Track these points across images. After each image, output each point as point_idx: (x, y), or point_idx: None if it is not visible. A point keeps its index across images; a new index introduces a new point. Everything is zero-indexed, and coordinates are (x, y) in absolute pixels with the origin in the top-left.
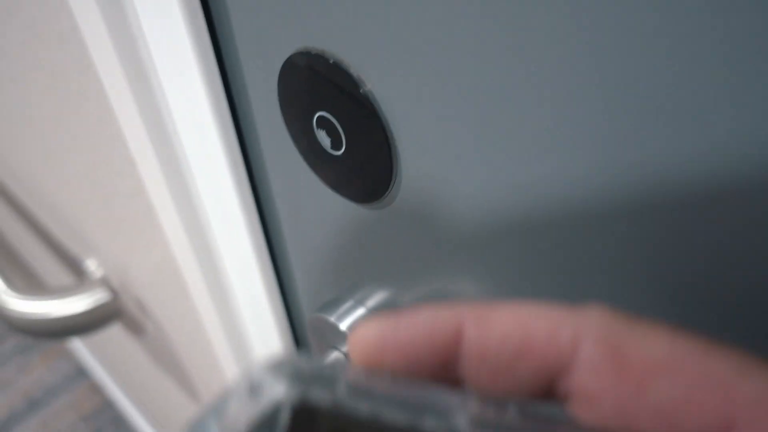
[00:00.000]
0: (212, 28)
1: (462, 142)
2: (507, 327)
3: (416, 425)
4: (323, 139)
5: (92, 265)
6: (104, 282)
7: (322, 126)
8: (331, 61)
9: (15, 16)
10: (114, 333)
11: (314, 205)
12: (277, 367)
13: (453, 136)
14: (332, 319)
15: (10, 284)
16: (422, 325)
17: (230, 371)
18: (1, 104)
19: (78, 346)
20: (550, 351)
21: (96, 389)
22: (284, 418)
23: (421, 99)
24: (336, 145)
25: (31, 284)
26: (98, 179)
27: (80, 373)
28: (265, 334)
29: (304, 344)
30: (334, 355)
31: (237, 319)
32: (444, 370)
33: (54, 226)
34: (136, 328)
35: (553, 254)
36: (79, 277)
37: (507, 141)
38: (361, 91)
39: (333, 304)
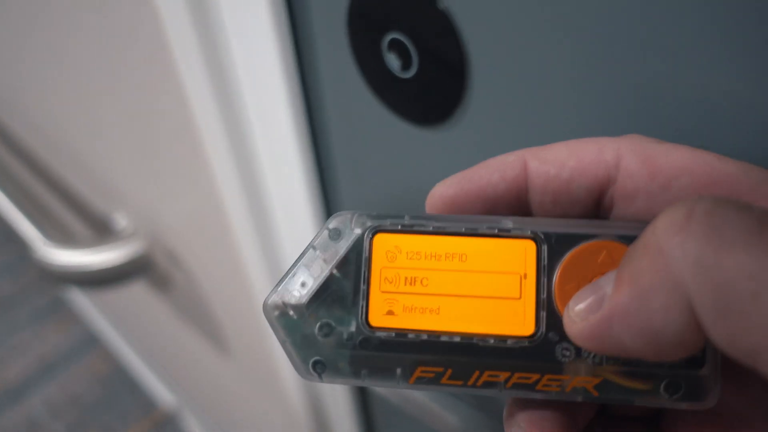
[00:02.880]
0: None
1: (538, 62)
2: (563, 155)
3: (474, 229)
4: (392, 62)
5: (121, 219)
6: (136, 234)
7: (393, 48)
8: None
9: None
10: (136, 291)
11: (373, 132)
12: (352, 215)
13: (529, 55)
14: None
15: (47, 234)
16: (494, 168)
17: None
18: (22, 44)
19: (91, 311)
20: (599, 168)
21: (109, 353)
22: (367, 246)
23: (499, 16)
24: (406, 66)
25: (64, 235)
26: (136, 124)
27: (94, 338)
28: None
29: None
30: None
31: (282, 261)
32: (515, 205)
33: (78, 182)
34: (162, 282)
35: None
36: (109, 231)
37: (590, 71)
38: (438, 6)
39: None
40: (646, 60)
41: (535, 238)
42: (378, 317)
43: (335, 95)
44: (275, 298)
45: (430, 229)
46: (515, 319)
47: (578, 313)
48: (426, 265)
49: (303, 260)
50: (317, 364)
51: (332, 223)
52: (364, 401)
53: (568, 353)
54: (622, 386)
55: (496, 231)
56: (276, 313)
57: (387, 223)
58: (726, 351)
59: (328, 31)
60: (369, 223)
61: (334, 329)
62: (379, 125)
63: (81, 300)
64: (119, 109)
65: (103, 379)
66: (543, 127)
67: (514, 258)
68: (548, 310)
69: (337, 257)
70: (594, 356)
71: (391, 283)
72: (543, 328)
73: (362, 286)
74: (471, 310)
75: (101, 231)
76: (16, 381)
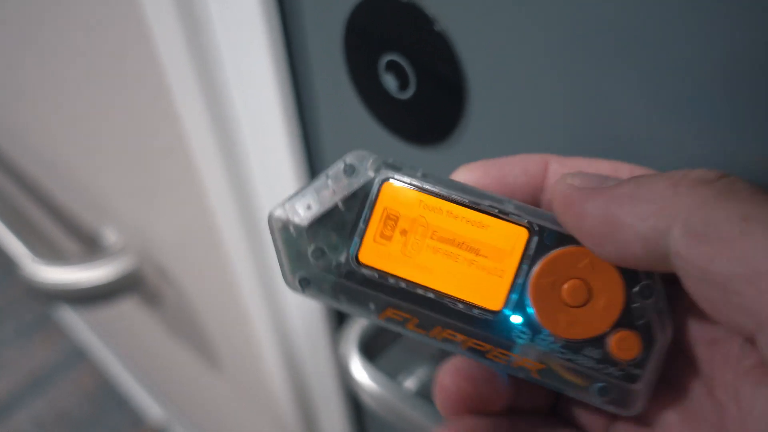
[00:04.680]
0: None
1: (536, 82)
2: (583, 164)
3: (477, 204)
4: (389, 82)
5: (110, 234)
6: (126, 250)
7: (390, 69)
8: (403, 1)
9: None
10: (125, 306)
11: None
12: (370, 157)
13: (527, 75)
14: None
15: (35, 251)
16: (518, 161)
17: (264, 330)
18: (10, 60)
19: (78, 325)
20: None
21: (97, 368)
22: (375, 190)
23: (496, 37)
24: (403, 87)
25: (53, 252)
26: (127, 139)
27: (81, 353)
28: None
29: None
30: None
31: (275, 277)
32: (529, 201)
33: (66, 196)
34: (153, 298)
35: None
36: (98, 247)
37: (586, 89)
38: (435, 28)
39: None
40: (645, 80)
41: (529, 228)
42: (367, 256)
43: (331, 115)
44: (281, 213)
45: (436, 192)
46: (488, 292)
47: (573, 179)
48: (423, 222)
49: (314, 184)
50: (303, 281)
51: (349, 158)
52: (358, 418)
53: (524, 336)
54: (562, 377)
55: (497, 211)
56: (279, 225)
57: (400, 175)
58: (695, 277)
59: (325, 51)
60: (383, 170)
61: (326, 255)
62: (376, 145)
63: (68, 314)
64: (109, 123)
65: (91, 394)
66: (541, 146)
67: (505, 239)
68: (519, 295)
69: (346, 192)
70: (546, 343)
71: (388, 228)
72: (509, 309)
73: (361, 225)
74: (451, 272)
75: (90, 247)
76: (2, 397)
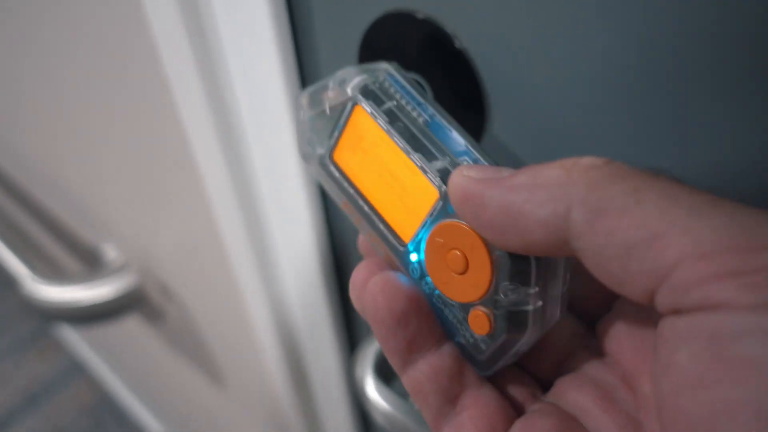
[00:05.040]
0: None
1: (559, 99)
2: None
3: (409, 153)
4: None
5: (111, 251)
6: (127, 266)
7: None
8: (420, 17)
9: None
10: (125, 323)
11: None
12: (354, 77)
13: (550, 92)
14: None
15: (34, 270)
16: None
17: (271, 347)
18: (7, 74)
19: (74, 339)
20: None
21: (94, 383)
22: (348, 108)
23: (518, 54)
24: None
25: (53, 270)
26: (129, 155)
27: (77, 367)
28: (313, 310)
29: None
30: None
31: (283, 293)
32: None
33: (65, 213)
34: (155, 315)
35: None
36: (98, 264)
37: (612, 107)
38: (455, 45)
39: None
40: (669, 95)
41: (439, 191)
42: (339, 157)
43: None
44: (303, 95)
45: (386, 130)
46: (404, 225)
47: (469, 171)
48: (378, 149)
49: (322, 83)
50: (304, 155)
51: (341, 72)
52: None
53: (415, 273)
54: (439, 315)
55: (419, 166)
56: (297, 107)
57: (367, 104)
58: (596, 254)
59: (339, 69)
60: (357, 93)
61: (314, 146)
62: None
63: (65, 329)
64: (110, 136)
65: (88, 409)
66: None
67: (423, 191)
68: (418, 241)
69: (334, 101)
70: (429, 287)
71: (354, 142)
72: (412, 247)
73: (336, 133)
74: (386, 197)
75: (91, 264)
76: None
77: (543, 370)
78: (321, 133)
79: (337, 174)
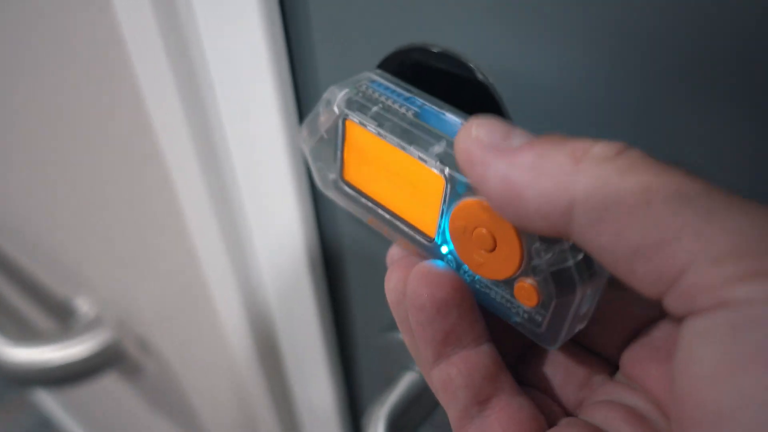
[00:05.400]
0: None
1: (583, 128)
2: None
3: (404, 148)
4: None
5: (83, 305)
6: (102, 321)
7: None
8: (436, 51)
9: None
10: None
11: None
12: (338, 94)
13: (574, 120)
14: None
15: (3, 330)
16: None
17: (263, 407)
18: None
19: (42, 396)
20: None
21: None
22: (340, 125)
23: (541, 85)
24: None
25: (24, 331)
26: (104, 204)
27: (45, 424)
28: (307, 364)
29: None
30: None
31: (278, 350)
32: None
33: (36, 267)
34: (132, 371)
35: None
36: (71, 319)
37: (638, 138)
38: (478, 77)
39: None
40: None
41: (443, 176)
42: (350, 175)
43: None
44: (302, 128)
45: (375, 134)
46: (426, 220)
47: (478, 130)
48: (377, 155)
49: (315, 112)
50: (322, 186)
51: (326, 94)
52: None
53: (452, 264)
54: (490, 302)
55: (418, 157)
56: (300, 143)
57: (354, 115)
58: (599, 254)
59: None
60: (344, 108)
61: (326, 173)
62: None
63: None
64: (82, 186)
65: None
66: None
67: (431, 181)
68: (443, 230)
69: (328, 123)
70: (469, 275)
71: (357, 157)
72: (439, 239)
73: (338, 153)
74: (402, 198)
75: (63, 320)
76: None
77: (569, 401)
78: (327, 160)
79: (353, 193)
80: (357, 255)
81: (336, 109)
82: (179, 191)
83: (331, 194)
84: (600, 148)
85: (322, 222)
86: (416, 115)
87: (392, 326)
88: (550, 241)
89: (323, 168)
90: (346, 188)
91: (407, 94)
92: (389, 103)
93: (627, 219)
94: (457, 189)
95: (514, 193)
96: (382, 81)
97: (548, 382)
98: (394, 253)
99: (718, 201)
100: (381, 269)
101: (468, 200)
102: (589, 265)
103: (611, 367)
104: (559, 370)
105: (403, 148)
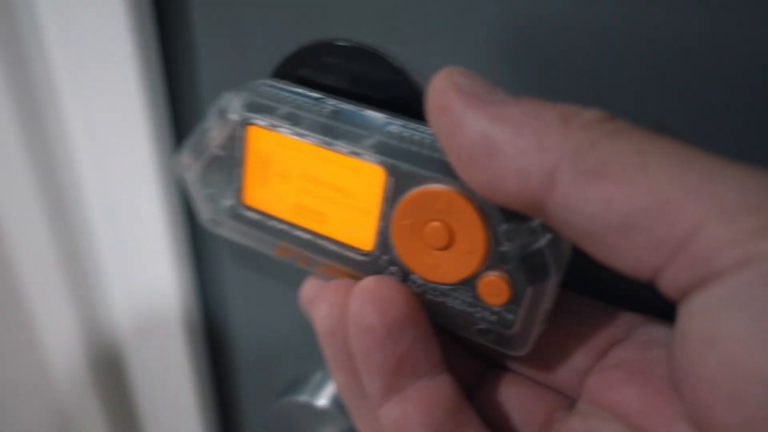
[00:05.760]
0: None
1: None
2: None
3: (332, 145)
4: None
5: None
6: None
7: None
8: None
9: None
10: None
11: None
12: (232, 99)
13: None
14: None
15: None
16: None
17: None
18: None
19: None
20: None
21: None
22: (240, 135)
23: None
24: None
25: None
26: None
27: None
28: None
29: None
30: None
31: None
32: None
33: None
34: None
35: None
36: None
37: None
38: (397, 68)
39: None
40: None
41: (384, 168)
42: (252, 198)
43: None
44: (180, 159)
45: (292, 134)
46: (359, 232)
47: (459, 77)
48: (293, 163)
49: (201, 128)
50: (210, 221)
51: (222, 100)
52: None
53: (397, 277)
54: (445, 317)
55: (348, 152)
56: (180, 171)
57: (260, 118)
58: (584, 224)
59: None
60: (244, 113)
61: (219, 199)
62: None
63: None
64: None
65: None
66: None
67: (366, 178)
68: (384, 237)
69: (223, 136)
70: (418, 285)
71: (263, 171)
72: (378, 250)
73: (238, 170)
74: (324, 212)
75: None
76: None
77: None
78: (221, 183)
79: (257, 218)
80: (246, 311)
81: (235, 116)
82: (12, 243)
83: (224, 229)
84: (591, 113)
85: (204, 276)
86: (334, 112)
87: (288, 390)
88: (517, 219)
89: (214, 196)
90: (248, 213)
91: (317, 95)
92: (299, 102)
93: (620, 183)
94: (401, 180)
95: (492, 148)
96: (284, 86)
97: (507, 421)
98: (311, 287)
99: (716, 163)
100: (276, 324)
101: (419, 189)
102: (556, 247)
103: (566, 399)
104: (516, 407)
105: (329, 145)
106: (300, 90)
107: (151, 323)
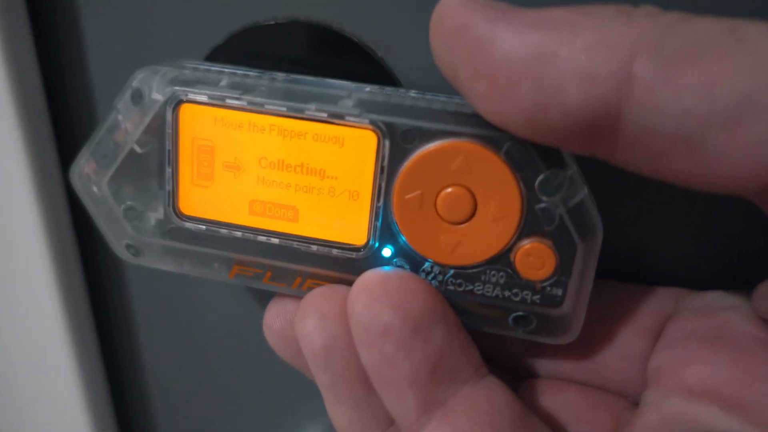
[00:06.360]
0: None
1: None
2: None
3: (300, 111)
4: None
5: None
6: None
7: None
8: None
9: None
10: None
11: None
12: (155, 73)
13: None
14: None
15: None
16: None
17: None
18: None
19: None
20: None
21: None
22: (170, 120)
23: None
24: None
25: None
26: None
27: None
28: None
29: None
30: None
31: None
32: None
33: None
34: None
35: None
36: None
37: None
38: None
39: None
40: None
41: (376, 129)
42: (189, 205)
43: None
44: (79, 170)
45: (245, 104)
46: (346, 224)
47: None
48: (247, 146)
49: (107, 124)
50: (130, 248)
51: (135, 81)
52: None
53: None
54: (470, 312)
55: (326, 116)
56: (81, 186)
57: (196, 92)
58: (674, 116)
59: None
60: (173, 88)
61: (142, 214)
62: None
63: None
64: None
65: None
66: None
67: (351, 149)
68: (384, 221)
69: (139, 129)
70: (433, 276)
71: (204, 165)
72: (377, 240)
73: (168, 168)
74: (297, 205)
75: None
76: None
77: None
78: (143, 192)
79: (200, 229)
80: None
81: (158, 96)
82: None
83: (151, 256)
84: (645, 6)
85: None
86: (291, 80)
87: None
88: (554, 167)
89: (134, 211)
90: (186, 226)
91: (259, 70)
92: (242, 73)
93: (724, 62)
94: (401, 142)
95: (542, 54)
96: (208, 65)
97: None
98: (279, 311)
99: None
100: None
101: (426, 149)
102: (592, 198)
103: (623, 398)
104: (572, 420)
105: (299, 112)
106: (237, 67)
107: None
